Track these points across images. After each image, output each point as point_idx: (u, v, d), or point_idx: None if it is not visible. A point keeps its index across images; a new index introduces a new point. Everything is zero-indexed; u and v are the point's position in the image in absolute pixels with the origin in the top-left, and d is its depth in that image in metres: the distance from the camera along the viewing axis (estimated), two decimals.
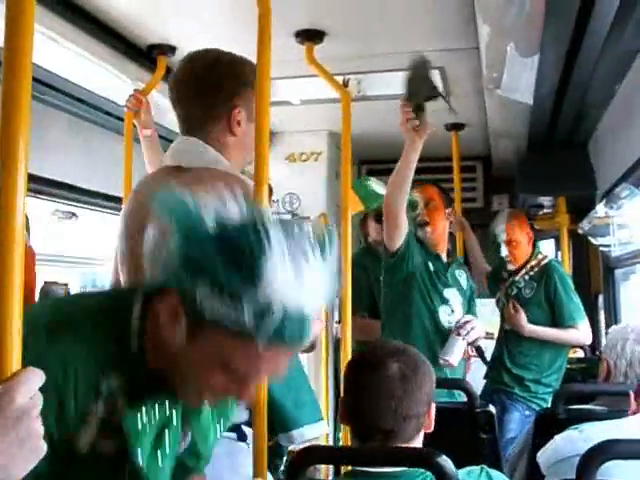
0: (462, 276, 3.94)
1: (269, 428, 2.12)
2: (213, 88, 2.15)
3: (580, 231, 5.06)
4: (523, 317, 4.35)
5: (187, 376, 1.34)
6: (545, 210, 5.84)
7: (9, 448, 1.04)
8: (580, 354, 5.15)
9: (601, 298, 5.56)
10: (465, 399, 3.23)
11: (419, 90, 3.24)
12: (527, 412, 4.27)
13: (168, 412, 1.43)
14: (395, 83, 4.25)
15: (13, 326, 1.08)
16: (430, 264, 3.74)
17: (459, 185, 5.23)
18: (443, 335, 3.65)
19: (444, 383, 3.40)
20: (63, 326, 1.34)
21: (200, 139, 2.16)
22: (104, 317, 1.37)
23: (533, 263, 4.50)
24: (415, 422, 1.89)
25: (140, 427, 1.37)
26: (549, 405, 4.20)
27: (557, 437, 2.30)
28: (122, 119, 3.52)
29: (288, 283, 1.21)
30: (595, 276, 5.73)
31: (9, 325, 1.08)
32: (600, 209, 4.40)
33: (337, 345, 4.73)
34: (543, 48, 3.14)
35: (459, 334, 3.54)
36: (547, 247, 6.91)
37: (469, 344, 3.70)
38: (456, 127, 5.07)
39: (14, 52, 1.13)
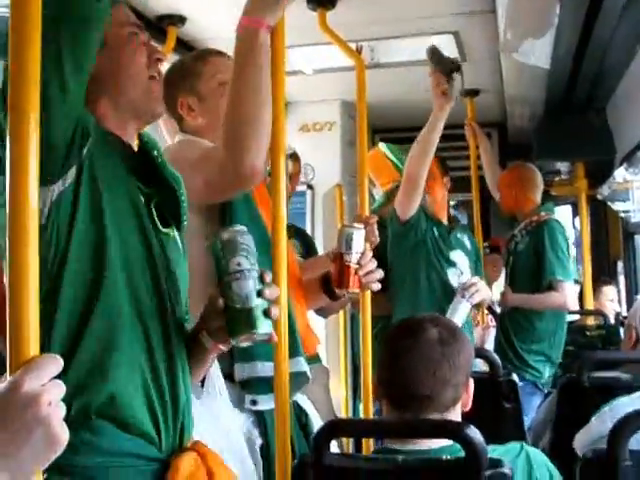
0: (465, 238, 3.98)
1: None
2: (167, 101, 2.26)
3: (599, 196, 5.02)
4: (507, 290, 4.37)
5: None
6: (562, 176, 5.77)
7: (15, 437, 1.00)
8: (599, 321, 5.10)
9: (620, 264, 5.51)
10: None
11: (442, 65, 3.38)
12: (520, 383, 4.26)
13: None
14: (408, 49, 4.22)
15: (30, 313, 1.04)
16: (434, 229, 3.79)
17: (474, 152, 5.16)
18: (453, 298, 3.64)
19: None
20: None
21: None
22: None
23: (534, 219, 4.47)
24: (452, 391, 1.85)
25: None
26: (543, 375, 4.20)
27: (592, 419, 2.26)
28: None
29: None
30: (614, 242, 5.69)
31: (26, 313, 1.04)
32: (619, 173, 4.34)
33: (352, 320, 4.70)
34: (561, 10, 3.08)
35: (463, 296, 3.51)
36: (564, 213, 6.87)
37: (474, 306, 3.65)
38: (471, 93, 4.98)
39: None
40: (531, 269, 4.34)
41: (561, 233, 4.44)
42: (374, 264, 2.48)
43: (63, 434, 1.02)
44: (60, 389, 1.03)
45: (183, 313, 1.60)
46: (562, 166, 5.53)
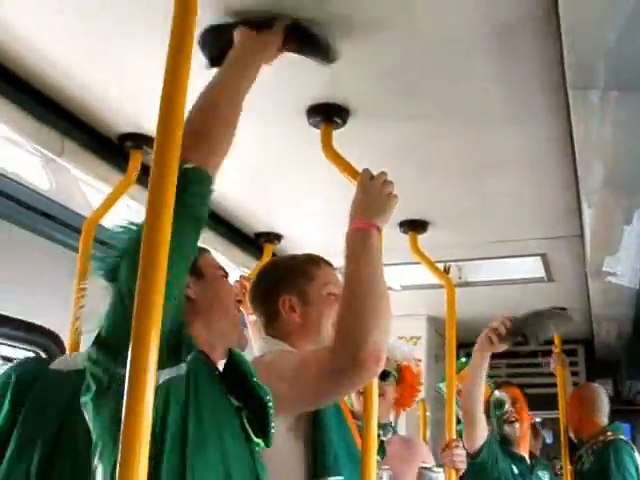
0: (546, 477, 3.91)
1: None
2: (263, 295, 2.35)
3: None
4: None
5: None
6: None
7: None
8: None
9: None
10: None
11: (534, 329, 3.39)
12: None
13: None
14: (495, 270, 4.29)
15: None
16: (514, 467, 3.72)
17: (562, 373, 5.08)
18: None
19: None
20: None
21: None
22: None
23: (600, 439, 4.36)
24: None
25: None
26: None
27: None
28: None
29: None
30: None
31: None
32: None
33: None
34: None
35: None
36: None
37: None
38: None
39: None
40: None
41: (628, 454, 4.30)
42: None
43: None
44: None
45: None
46: None
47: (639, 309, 4.40)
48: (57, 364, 2.32)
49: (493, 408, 3.84)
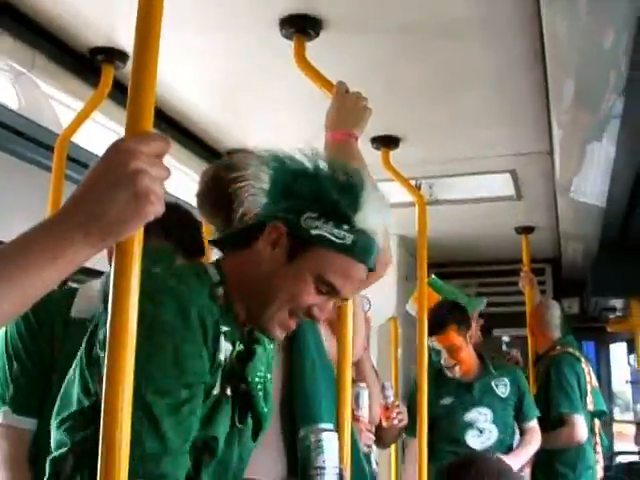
0: (500, 385, 3.94)
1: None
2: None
3: None
4: None
5: (270, 299, 1.55)
6: (618, 313, 5.75)
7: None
8: None
9: None
10: None
11: None
12: None
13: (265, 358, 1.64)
14: (466, 188, 4.33)
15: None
16: (446, 398, 3.91)
17: (530, 292, 5.17)
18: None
19: None
20: (181, 283, 1.50)
21: None
22: (196, 275, 1.57)
23: (551, 353, 4.57)
24: None
25: (254, 371, 1.58)
26: None
27: None
28: None
29: (373, 213, 1.55)
30: None
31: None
32: None
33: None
34: (617, 149, 3.16)
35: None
36: (620, 350, 6.81)
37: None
38: (526, 230, 5.07)
39: None
40: (543, 406, 4.29)
41: (570, 365, 4.44)
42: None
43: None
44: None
45: None
46: (617, 303, 5.52)
47: (606, 227, 4.46)
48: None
49: (434, 355, 3.91)
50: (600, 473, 4.47)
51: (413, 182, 3.81)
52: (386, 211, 1.62)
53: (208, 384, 1.47)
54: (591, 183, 3.78)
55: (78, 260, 1.01)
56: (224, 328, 1.51)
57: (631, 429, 6.61)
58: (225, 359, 1.52)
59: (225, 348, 1.52)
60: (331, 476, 1.60)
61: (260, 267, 1.56)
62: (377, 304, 5.24)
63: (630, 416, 7.05)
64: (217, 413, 1.50)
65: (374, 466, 3.17)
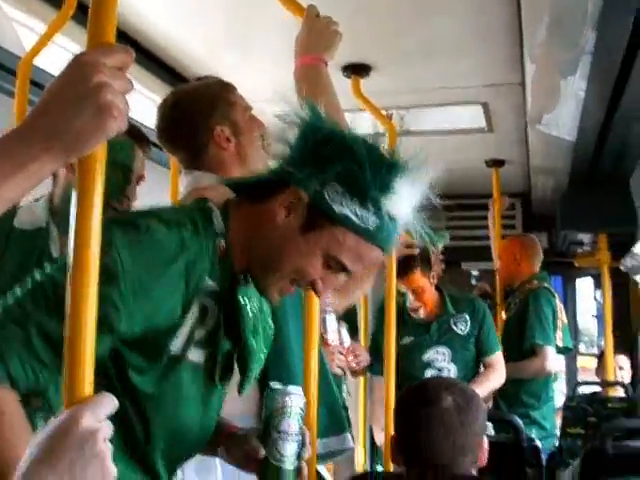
0: (459, 323, 3.95)
1: None
2: (190, 129, 2.20)
3: (622, 268, 5.03)
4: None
5: (275, 266, 1.48)
6: (585, 248, 5.80)
7: (71, 468, 1.04)
8: (621, 393, 5.08)
9: None
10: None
11: None
12: None
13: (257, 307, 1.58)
14: (437, 120, 4.31)
15: (86, 352, 1.08)
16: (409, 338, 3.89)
17: (499, 223, 5.20)
18: None
19: (491, 417, 3.37)
20: (174, 221, 1.44)
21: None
22: (195, 219, 1.48)
23: (527, 287, 4.60)
24: (471, 456, 1.88)
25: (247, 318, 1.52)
26: None
27: None
28: None
29: (404, 199, 1.46)
30: (636, 315, 5.68)
31: (82, 352, 1.08)
32: None
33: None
34: (588, 83, 3.16)
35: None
36: (587, 285, 6.89)
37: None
38: (497, 163, 5.07)
39: None
40: (516, 336, 4.39)
41: (547, 299, 4.51)
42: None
43: (114, 470, 1.05)
44: (111, 428, 1.06)
45: None
46: (585, 237, 5.57)
47: (576, 161, 4.48)
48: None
49: (403, 300, 3.91)
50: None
51: (384, 112, 3.77)
52: (418, 195, 1.49)
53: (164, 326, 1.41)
54: (562, 116, 3.77)
55: (42, 174, 0.99)
56: (210, 283, 1.46)
57: (594, 363, 6.73)
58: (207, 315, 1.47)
59: (211, 308, 1.47)
60: (292, 443, 1.58)
61: (269, 230, 1.48)
62: None
63: (595, 351, 7.16)
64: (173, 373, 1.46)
65: (344, 393, 3.20)
